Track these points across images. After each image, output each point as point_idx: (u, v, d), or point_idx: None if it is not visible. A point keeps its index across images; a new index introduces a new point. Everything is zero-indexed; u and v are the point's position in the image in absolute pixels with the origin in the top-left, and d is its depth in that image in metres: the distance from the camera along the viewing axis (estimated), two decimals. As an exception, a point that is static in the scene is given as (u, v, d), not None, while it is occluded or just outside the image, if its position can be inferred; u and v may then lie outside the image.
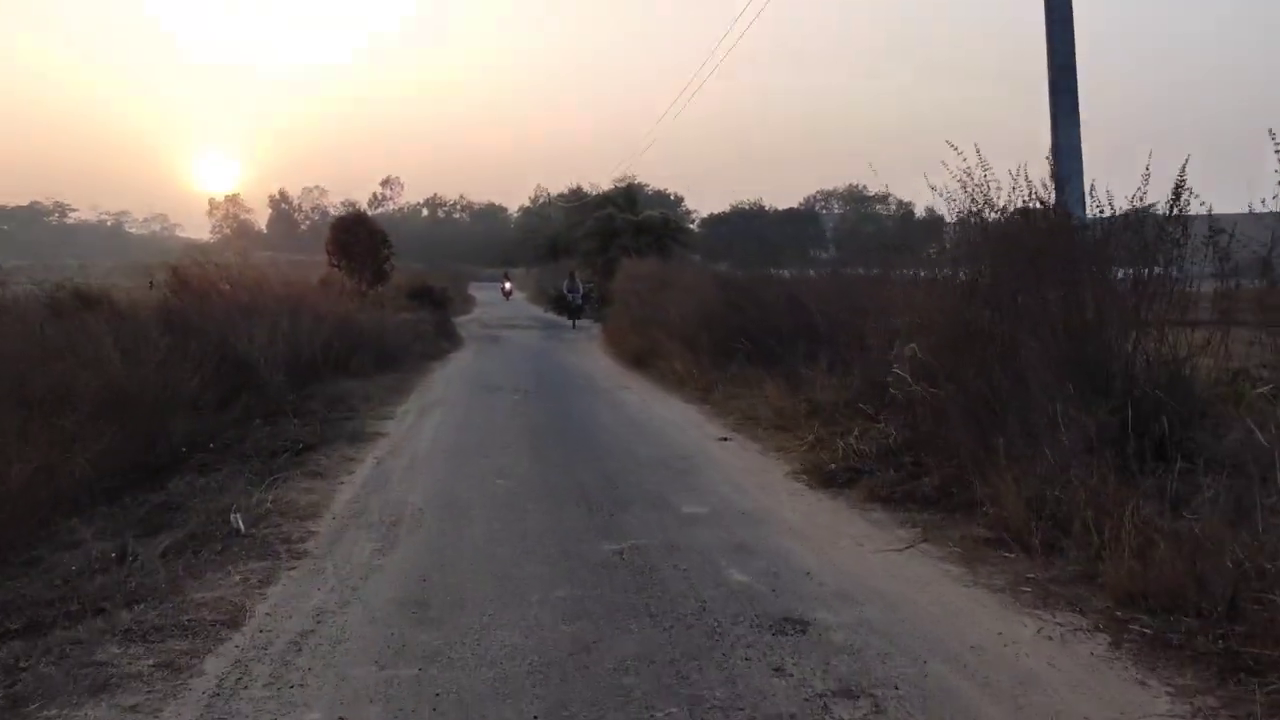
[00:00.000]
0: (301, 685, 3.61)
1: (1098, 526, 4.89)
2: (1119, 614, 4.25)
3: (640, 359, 16.45)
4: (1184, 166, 6.53)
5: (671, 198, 72.16)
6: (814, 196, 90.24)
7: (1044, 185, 7.35)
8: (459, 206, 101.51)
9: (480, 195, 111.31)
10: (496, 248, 70.64)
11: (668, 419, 10.60)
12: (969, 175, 7.04)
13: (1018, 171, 7.18)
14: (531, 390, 13.23)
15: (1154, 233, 6.57)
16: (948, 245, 8.99)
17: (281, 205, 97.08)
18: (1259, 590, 3.92)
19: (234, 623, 4.26)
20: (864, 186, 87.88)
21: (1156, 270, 6.53)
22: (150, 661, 3.82)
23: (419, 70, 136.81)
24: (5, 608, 4.43)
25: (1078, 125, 8.92)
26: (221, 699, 3.50)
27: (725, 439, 9.19)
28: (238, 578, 4.88)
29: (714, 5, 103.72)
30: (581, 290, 27.66)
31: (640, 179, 41.52)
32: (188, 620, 4.23)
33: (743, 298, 13.34)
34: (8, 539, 5.21)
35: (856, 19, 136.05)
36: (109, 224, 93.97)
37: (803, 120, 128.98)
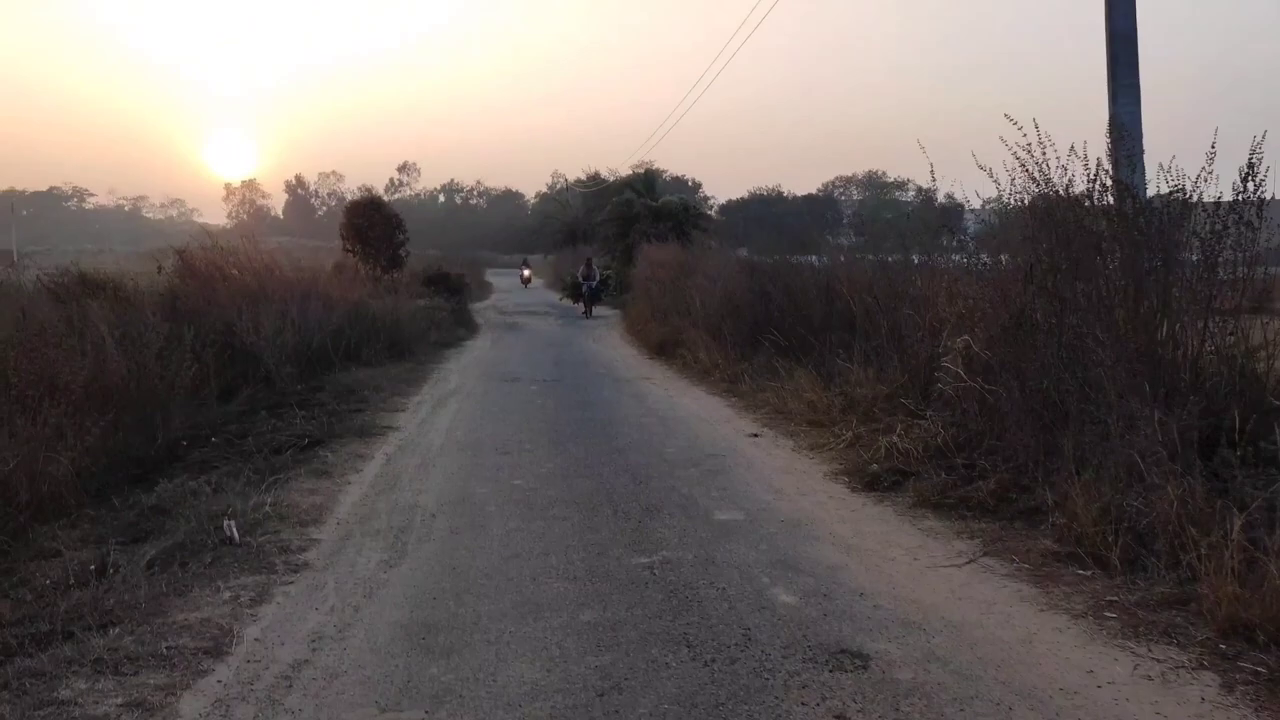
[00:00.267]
0: (289, 732, 3.13)
1: (1187, 543, 4.34)
2: (1224, 647, 3.72)
3: (662, 348, 15.92)
4: (1259, 143, 5.94)
5: (689, 183, 71.58)
6: (833, 183, 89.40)
7: (1099, 165, 6.77)
8: (476, 192, 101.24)
9: (497, 181, 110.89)
10: (514, 234, 70.25)
11: (694, 412, 10.07)
12: (1029, 152, 6.43)
13: (1072, 151, 6.59)
14: (551, 381, 12.72)
15: (1226, 215, 5.98)
16: (992, 230, 8.40)
17: (298, 191, 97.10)
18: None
19: (218, 651, 3.77)
20: (883, 173, 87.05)
21: (1227, 255, 5.96)
22: (119, 700, 3.33)
23: (437, 56, 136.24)
24: (-34, 629, 3.97)
25: (1138, 101, 8.31)
26: (196, 749, 3.02)
27: (756, 435, 8.65)
28: (227, 595, 4.40)
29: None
30: (598, 277, 26.86)
31: (658, 165, 40.87)
32: (167, 648, 3.74)
33: (771, 284, 12.75)
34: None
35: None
36: (126, 209, 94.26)
37: (823, 106, 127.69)
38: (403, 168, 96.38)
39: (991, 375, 6.32)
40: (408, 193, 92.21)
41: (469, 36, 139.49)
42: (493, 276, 45.58)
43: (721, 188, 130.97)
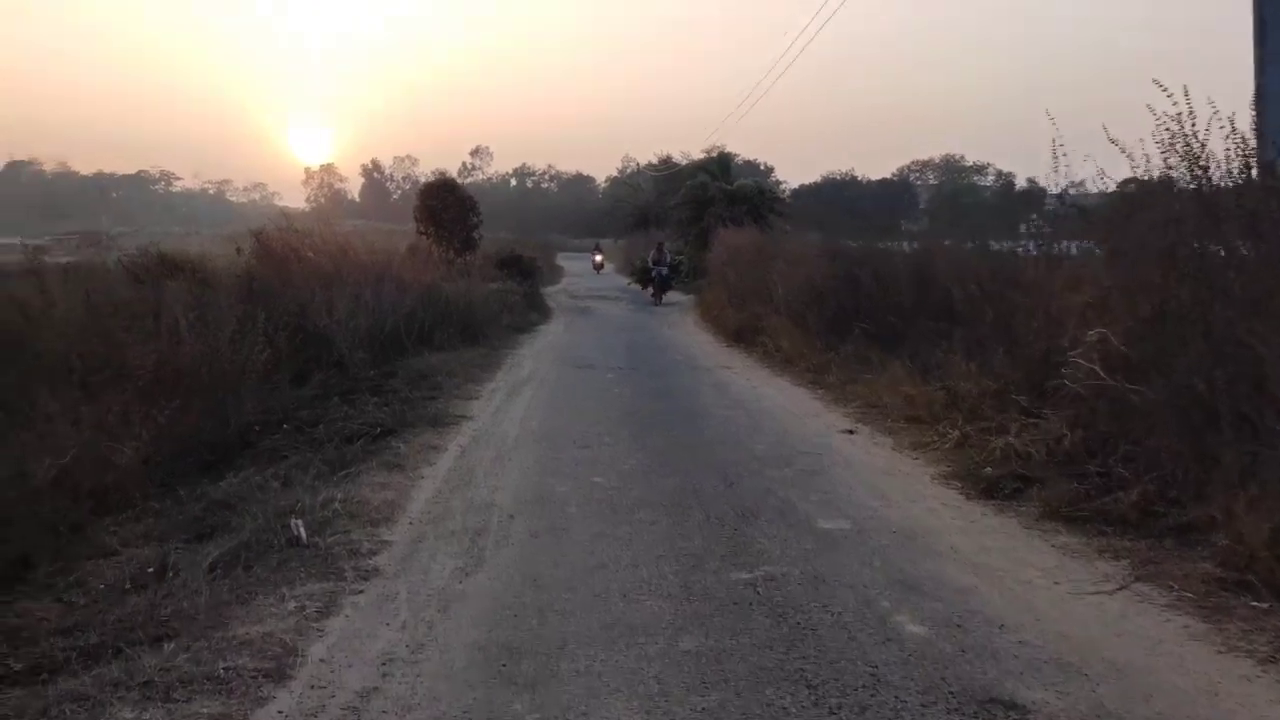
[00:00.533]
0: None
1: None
2: None
3: (740, 335, 15.35)
4: None
5: (761, 168, 70.32)
6: (908, 167, 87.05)
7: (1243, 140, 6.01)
8: (547, 176, 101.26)
9: (568, 165, 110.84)
10: (584, 217, 70.00)
11: (781, 405, 9.50)
12: (1179, 123, 5.70)
13: (1211, 121, 5.82)
14: (626, 368, 12.26)
15: None
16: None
17: (374, 175, 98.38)
18: None
19: (280, 673, 3.38)
20: (961, 157, 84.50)
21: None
22: (167, 733, 2.97)
23: (509, 42, 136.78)
24: (14, 637, 3.67)
25: (1290, 67, 7.48)
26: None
27: (850, 431, 8.07)
28: (292, 605, 4.02)
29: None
30: (670, 262, 26.03)
31: (730, 148, 39.91)
32: (224, 669, 3.36)
33: (860, 271, 12.06)
34: (34, 545, 4.46)
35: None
36: (211, 193, 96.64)
37: (900, 88, 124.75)
38: (475, 151, 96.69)
39: (1132, 372, 5.64)
40: (480, 176, 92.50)
41: (543, 22, 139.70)
42: (563, 260, 45.32)
43: (793, 172, 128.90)
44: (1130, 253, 6.29)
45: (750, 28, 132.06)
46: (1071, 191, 9.02)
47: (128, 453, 5.47)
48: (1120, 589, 4.27)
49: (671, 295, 25.01)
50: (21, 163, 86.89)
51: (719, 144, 38.71)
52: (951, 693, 3.22)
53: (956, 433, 7.28)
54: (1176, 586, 4.24)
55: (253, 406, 7.88)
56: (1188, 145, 5.80)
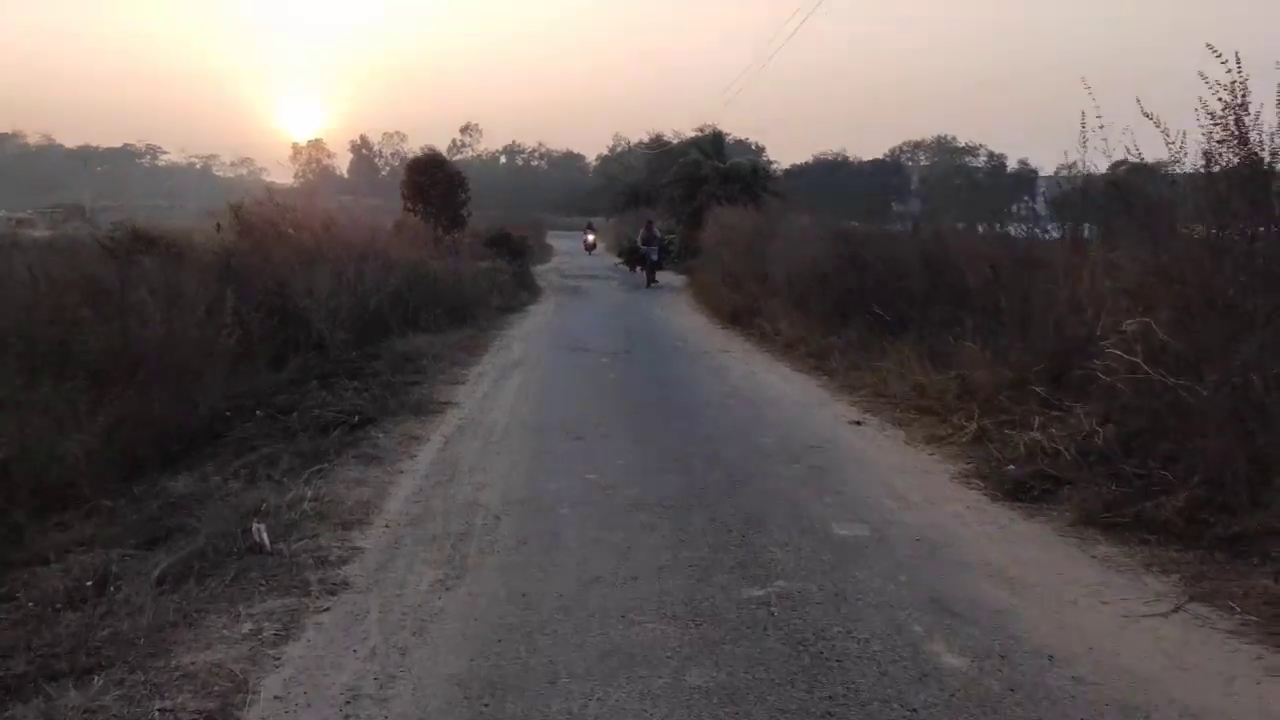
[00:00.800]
0: None
1: None
2: None
3: (736, 317, 14.88)
4: None
5: (753, 147, 69.44)
6: (900, 148, 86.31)
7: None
8: (537, 154, 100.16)
9: (559, 143, 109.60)
10: (575, 196, 69.18)
11: (784, 393, 9.04)
12: (1232, 94, 5.22)
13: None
14: (621, 351, 11.76)
15: None
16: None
17: (362, 151, 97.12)
18: None
19: (225, 716, 2.91)
20: (953, 137, 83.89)
21: None
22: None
23: (498, 18, 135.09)
24: (-74, 667, 3.18)
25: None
26: None
27: (858, 422, 7.61)
28: (247, 626, 3.55)
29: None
30: (661, 241, 25.29)
31: (721, 127, 39.15)
32: (159, 711, 2.89)
33: (865, 253, 11.58)
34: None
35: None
36: (198, 167, 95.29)
37: (891, 68, 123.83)
38: (465, 129, 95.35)
39: (1175, 365, 5.19)
40: (470, 154, 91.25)
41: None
42: (554, 239, 44.65)
43: (784, 152, 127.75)
44: (1167, 237, 5.83)
45: (744, 7, 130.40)
46: (1077, 172, 8.53)
47: (76, 444, 4.96)
48: (1175, 610, 3.83)
49: (663, 275, 24.44)
50: (5, 135, 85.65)
51: (710, 124, 37.98)
52: (1006, 745, 2.78)
53: (974, 426, 6.84)
54: (1238, 608, 3.81)
55: (223, 392, 7.38)
56: (1239, 123, 5.32)
